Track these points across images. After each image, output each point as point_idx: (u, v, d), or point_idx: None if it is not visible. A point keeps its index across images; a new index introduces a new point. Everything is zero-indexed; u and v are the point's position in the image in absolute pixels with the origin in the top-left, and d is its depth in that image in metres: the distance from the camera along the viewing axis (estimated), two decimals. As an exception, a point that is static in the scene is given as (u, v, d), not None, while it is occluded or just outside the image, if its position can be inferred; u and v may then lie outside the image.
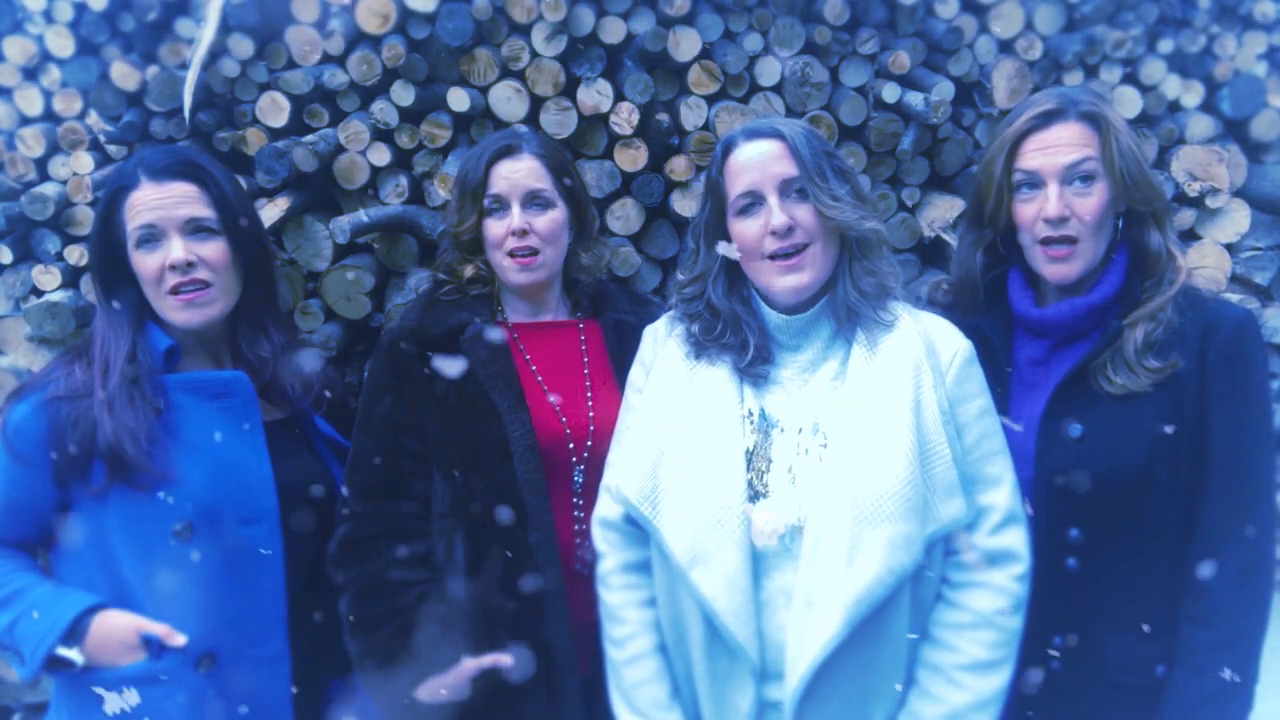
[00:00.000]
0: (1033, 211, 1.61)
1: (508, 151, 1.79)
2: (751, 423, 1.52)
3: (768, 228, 1.48)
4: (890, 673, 1.44)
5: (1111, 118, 1.60)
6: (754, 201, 1.51)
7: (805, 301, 1.54)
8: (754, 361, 1.54)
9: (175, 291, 1.61)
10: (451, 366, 1.71)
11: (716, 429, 1.50)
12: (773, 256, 1.50)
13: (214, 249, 1.65)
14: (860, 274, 1.53)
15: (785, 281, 1.50)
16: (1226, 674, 1.51)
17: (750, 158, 1.51)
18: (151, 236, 1.61)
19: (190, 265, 1.61)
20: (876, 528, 1.38)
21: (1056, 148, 1.59)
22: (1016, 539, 1.48)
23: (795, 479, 1.47)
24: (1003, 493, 1.49)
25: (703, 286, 1.59)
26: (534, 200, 1.77)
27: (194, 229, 1.64)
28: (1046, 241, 1.61)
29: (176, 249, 1.61)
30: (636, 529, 1.56)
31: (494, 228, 1.77)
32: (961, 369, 1.52)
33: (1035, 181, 1.61)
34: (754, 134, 1.53)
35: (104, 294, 1.66)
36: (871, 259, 1.54)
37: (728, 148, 1.55)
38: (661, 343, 1.66)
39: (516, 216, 1.75)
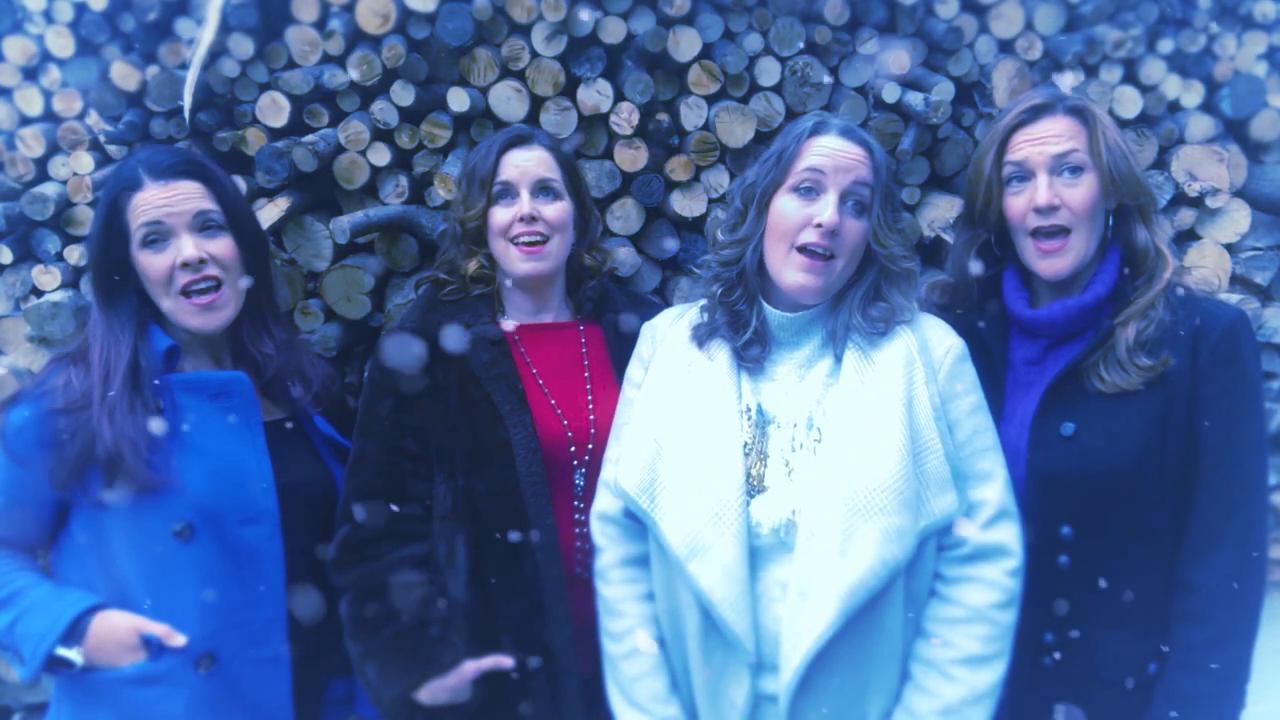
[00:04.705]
0: (1023, 203, 1.62)
1: (519, 141, 1.80)
2: (749, 418, 1.53)
3: (814, 220, 1.48)
4: (885, 666, 1.45)
5: (1098, 113, 1.62)
6: (815, 189, 1.50)
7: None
8: (750, 344, 1.54)
9: (186, 293, 1.61)
10: (452, 367, 1.71)
11: (715, 423, 1.50)
12: (802, 249, 1.49)
13: (222, 245, 1.65)
14: (869, 302, 1.54)
15: (799, 279, 1.50)
16: (1218, 671, 1.51)
17: (834, 149, 1.50)
18: (159, 235, 1.60)
19: (201, 262, 1.61)
20: (869, 520, 1.38)
21: (1045, 139, 1.60)
22: (1008, 534, 1.48)
23: (791, 473, 1.48)
24: (994, 488, 1.49)
25: (741, 251, 1.57)
26: (543, 189, 1.77)
27: (202, 225, 1.63)
28: (1037, 233, 1.62)
29: (187, 246, 1.60)
30: (635, 523, 1.57)
31: (500, 214, 1.76)
32: (953, 366, 1.53)
33: (1024, 174, 1.63)
34: (847, 132, 1.53)
35: (104, 299, 1.63)
36: (891, 293, 1.55)
37: (817, 129, 1.53)
38: (660, 338, 1.66)
39: (526, 203, 1.74)
